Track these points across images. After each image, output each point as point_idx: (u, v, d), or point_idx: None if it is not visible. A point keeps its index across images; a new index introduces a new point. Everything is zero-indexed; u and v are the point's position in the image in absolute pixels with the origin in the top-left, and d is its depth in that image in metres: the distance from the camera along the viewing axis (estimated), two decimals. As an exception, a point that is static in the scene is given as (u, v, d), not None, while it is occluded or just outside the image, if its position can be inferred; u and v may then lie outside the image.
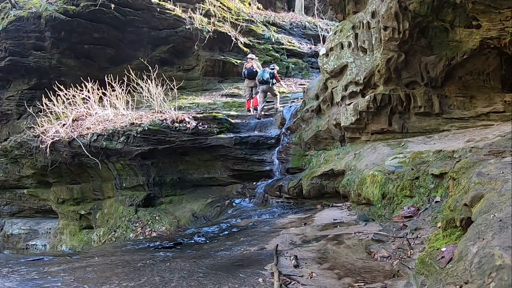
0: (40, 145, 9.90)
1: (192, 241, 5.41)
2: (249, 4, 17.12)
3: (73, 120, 10.24)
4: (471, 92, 6.14)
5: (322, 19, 18.60)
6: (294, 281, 3.08)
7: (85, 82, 10.39)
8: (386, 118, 6.42)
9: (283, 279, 3.09)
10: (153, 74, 10.46)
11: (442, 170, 4.17)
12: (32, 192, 11.96)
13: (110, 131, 9.38)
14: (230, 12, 14.93)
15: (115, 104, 10.28)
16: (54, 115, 10.43)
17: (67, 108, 10.35)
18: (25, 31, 12.39)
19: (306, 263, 3.56)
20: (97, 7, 12.14)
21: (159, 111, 9.87)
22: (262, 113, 10.31)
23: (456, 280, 1.82)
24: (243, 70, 11.01)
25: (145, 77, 10.48)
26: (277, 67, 11.56)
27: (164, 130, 9.02)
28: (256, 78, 10.66)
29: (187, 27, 13.35)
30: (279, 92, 11.14)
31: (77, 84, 10.47)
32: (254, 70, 10.61)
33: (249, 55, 11.46)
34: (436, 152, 4.82)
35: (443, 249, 2.58)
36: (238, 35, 14.39)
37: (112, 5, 12.32)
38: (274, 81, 10.73)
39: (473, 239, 1.97)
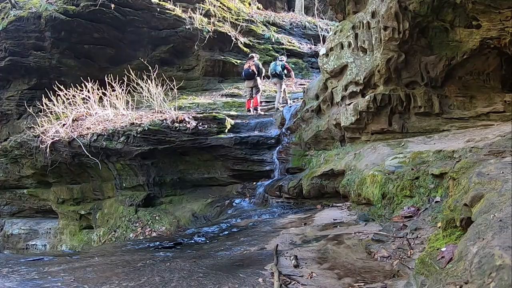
0: (40, 145, 9.89)
1: (192, 241, 5.41)
2: (249, 4, 17.13)
3: (73, 120, 10.24)
4: (471, 92, 6.14)
5: (322, 19, 18.61)
6: (294, 281, 3.08)
7: (85, 82, 10.38)
8: (386, 118, 6.42)
9: (283, 279, 3.09)
10: (153, 74, 10.46)
11: (442, 170, 4.17)
12: (32, 192, 11.95)
13: (110, 131, 9.37)
14: (230, 12, 14.93)
15: (115, 104, 10.28)
16: (54, 115, 10.42)
17: (67, 108, 10.35)
18: (25, 31, 12.39)
19: (306, 263, 3.56)
20: (97, 7, 12.15)
21: (159, 111, 9.87)
22: (279, 104, 10.48)
23: (456, 280, 1.82)
24: (242, 71, 11.08)
25: (145, 77, 10.47)
26: (285, 58, 11.70)
27: (164, 130, 9.02)
28: (269, 71, 10.92)
29: (187, 27, 13.35)
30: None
31: (77, 84, 10.47)
32: (250, 71, 10.65)
33: (250, 55, 11.49)
34: (436, 152, 4.82)
35: (443, 249, 2.58)
36: (238, 35, 14.40)
37: (112, 5, 12.32)
38: (286, 71, 10.91)
39: (473, 239, 1.97)
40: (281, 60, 11.15)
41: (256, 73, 10.63)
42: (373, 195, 5.03)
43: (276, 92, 11.79)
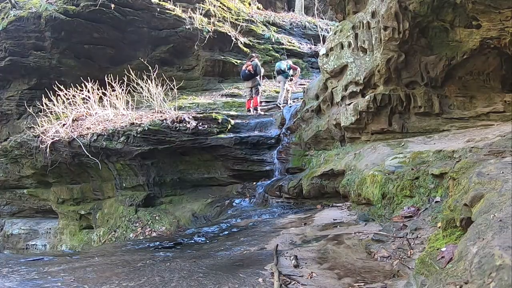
0: (40, 145, 9.89)
1: (192, 241, 5.41)
2: (249, 4, 17.13)
3: (73, 120, 10.24)
4: (471, 92, 6.14)
5: (322, 19, 18.61)
6: (294, 281, 3.08)
7: (85, 82, 10.38)
8: (386, 118, 6.41)
9: (283, 279, 3.09)
10: (153, 74, 10.46)
11: (442, 170, 4.17)
12: (32, 192, 11.95)
13: (110, 131, 9.37)
14: (230, 12, 14.93)
15: (115, 104, 10.28)
16: (54, 115, 10.42)
17: (67, 108, 10.35)
18: (25, 31, 12.38)
19: (306, 263, 3.56)
20: (97, 7, 12.14)
21: (159, 111, 9.87)
22: (282, 102, 10.58)
23: (456, 280, 1.82)
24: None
25: (145, 77, 10.48)
26: (290, 61, 11.87)
27: (164, 130, 9.02)
28: (275, 69, 11.03)
29: (187, 27, 13.35)
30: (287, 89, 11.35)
31: (77, 84, 10.47)
32: (247, 71, 10.70)
33: (250, 55, 11.53)
34: (436, 152, 4.82)
35: (443, 249, 2.58)
36: (238, 35, 14.40)
37: (112, 5, 12.32)
38: (291, 72, 11.00)
39: (473, 239, 1.97)
40: (286, 61, 11.36)
41: (254, 73, 10.64)
42: (373, 195, 5.03)
43: (277, 93, 11.86)
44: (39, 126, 10.27)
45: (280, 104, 10.54)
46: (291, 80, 11.62)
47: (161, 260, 4.08)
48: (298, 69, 12.10)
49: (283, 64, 10.88)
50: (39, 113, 10.48)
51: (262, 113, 10.48)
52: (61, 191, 11.07)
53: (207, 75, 14.24)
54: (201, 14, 13.79)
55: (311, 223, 5.34)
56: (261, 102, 11.04)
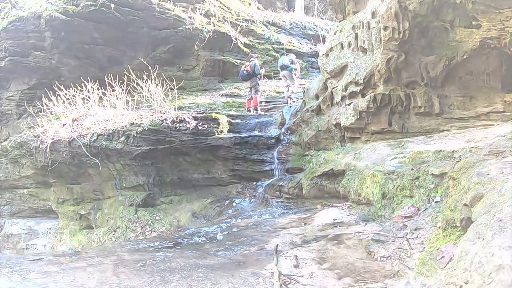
0: (40, 145, 9.89)
1: (192, 241, 5.41)
2: (249, 4, 17.13)
3: (73, 120, 10.24)
4: (471, 92, 6.13)
5: (322, 19, 18.60)
6: (294, 281, 3.08)
7: (85, 82, 10.39)
8: (386, 118, 6.41)
9: (283, 279, 3.09)
10: (153, 74, 10.46)
11: (442, 170, 4.17)
12: (32, 192, 11.95)
13: (110, 131, 9.37)
14: (230, 12, 14.93)
15: (115, 104, 10.27)
16: (54, 115, 10.43)
17: (67, 108, 10.35)
18: (25, 31, 12.39)
19: (306, 263, 3.56)
20: (97, 7, 12.15)
21: (159, 111, 9.87)
22: (292, 92, 10.70)
23: (456, 280, 1.82)
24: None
25: (145, 77, 10.48)
26: (293, 55, 11.94)
27: (164, 130, 9.03)
28: (278, 65, 11.14)
29: (187, 27, 13.36)
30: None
31: (77, 84, 10.48)
32: (245, 72, 10.72)
33: (249, 55, 11.56)
34: (436, 152, 4.82)
35: (443, 249, 2.58)
36: (238, 35, 14.40)
37: (112, 5, 12.33)
38: (294, 66, 11.06)
39: (473, 239, 1.97)
40: (289, 56, 11.44)
41: (252, 73, 10.64)
42: (373, 195, 5.03)
43: (277, 93, 11.85)
44: (39, 126, 10.27)
45: (290, 96, 10.58)
46: (295, 75, 11.65)
47: (161, 260, 4.08)
48: (298, 64, 12.15)
49: (285, 59, 10.94)
50: (39, 113, 10.49)
51: (262, 113, 10.49)
52: (61, 191, 11.07)
53: (207, 75, 14.23)
54: (201, 14, 13.79)
55: (311, 223, 5.34)
56: (261, 102, 11.04)
